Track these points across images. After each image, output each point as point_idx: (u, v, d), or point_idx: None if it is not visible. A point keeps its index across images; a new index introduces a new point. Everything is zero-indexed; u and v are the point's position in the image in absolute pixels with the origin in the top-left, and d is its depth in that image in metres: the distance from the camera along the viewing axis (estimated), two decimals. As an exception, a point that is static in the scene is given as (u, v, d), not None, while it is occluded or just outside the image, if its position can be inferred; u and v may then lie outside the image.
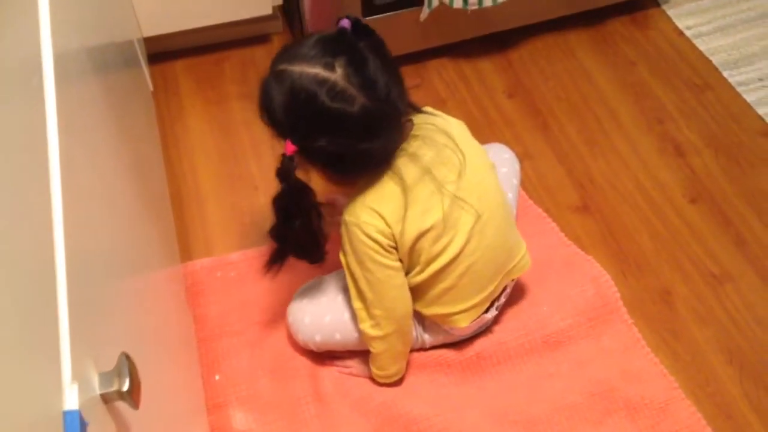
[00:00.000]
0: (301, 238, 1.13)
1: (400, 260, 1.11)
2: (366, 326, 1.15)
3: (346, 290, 1.18)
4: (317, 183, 1.11)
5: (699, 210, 1.51)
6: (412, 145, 1.09)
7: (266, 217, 1.52)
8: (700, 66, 1.78)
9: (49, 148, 0.61)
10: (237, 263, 1.41)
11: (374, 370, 1.22)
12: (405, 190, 1.07)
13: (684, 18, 1.87)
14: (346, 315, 1.21)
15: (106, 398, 0.53)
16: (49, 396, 0.45)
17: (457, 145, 1.12)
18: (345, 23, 1.04)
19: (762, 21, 1.85)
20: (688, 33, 1.84)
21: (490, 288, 1.18)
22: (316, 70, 0.98)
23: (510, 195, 1.35)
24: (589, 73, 1.78)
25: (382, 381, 1.23)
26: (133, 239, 0.91)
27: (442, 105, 1.72)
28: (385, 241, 1.08)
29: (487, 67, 1.80)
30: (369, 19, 1.66)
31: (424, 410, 1.20)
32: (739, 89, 1.70)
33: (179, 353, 1.13)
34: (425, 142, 1.10)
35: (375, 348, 1.18)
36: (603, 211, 1.52)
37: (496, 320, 1.30)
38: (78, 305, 0.54)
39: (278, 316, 1.34)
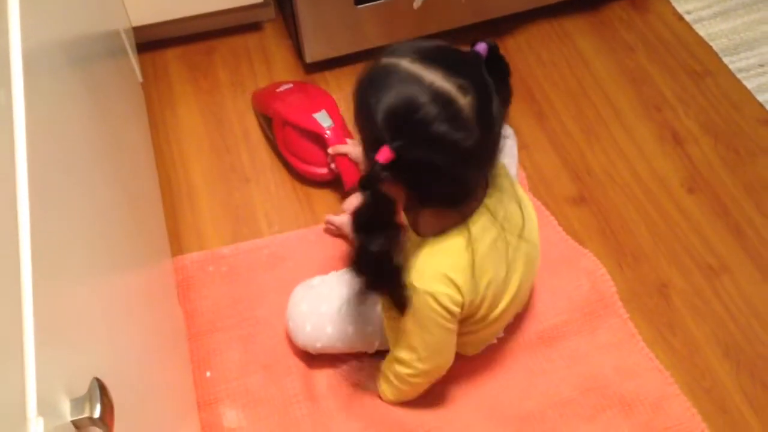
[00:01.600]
0: (387, 266, 1.00)
1: None
2: (406, 372, 1.12)
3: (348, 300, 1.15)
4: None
5: (697, 200, 1.49)
6: (492, 198, 1.03)
7: (257, 209, 1.51)
8: (699, 52, 1.75)
9: (15, 146, 0.59)
10: (229, 257, 1.40)
11: (385, 390, 1.19)
12: (474, 254, 1.01)
13: (684, 2, 1.84)
14: (350, 329, 1.19)
15: (77, 425, 0.51)
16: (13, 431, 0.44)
17: (519, 196, 1.10)
18: (481, 48, 0.95)
19: (763, 5, 1.81)
20: (687, 18, 1.80)
21: (505, 323, 1.21)
22: (449, 88, 0.89)
23: (513, 171, 1.31)
24: (587, 59, 1.75)
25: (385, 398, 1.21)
26: (119, 236, 0.89)
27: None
28: (456, 310, 1.03)
29: (482, 53, 1.77)
30: (362, 7, 1.63)
31: (416, 409, 1.19)
32: (740, 75, 1.68)
33: (170, 350, 1.12)
34: (501, 194, 1.05)
35: (402, 387, 1.16)
36: (600, 202, 1.50)
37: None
38: (47, 329, 0.52)
39: (271, 311, 1.33)
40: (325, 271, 1.36)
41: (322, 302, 1.21)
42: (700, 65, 1.72)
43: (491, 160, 0.99)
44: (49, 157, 0.67)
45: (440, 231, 1.02)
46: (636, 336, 1.27)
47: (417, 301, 1.01)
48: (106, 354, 0.69)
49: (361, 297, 1.05)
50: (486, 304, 1.07)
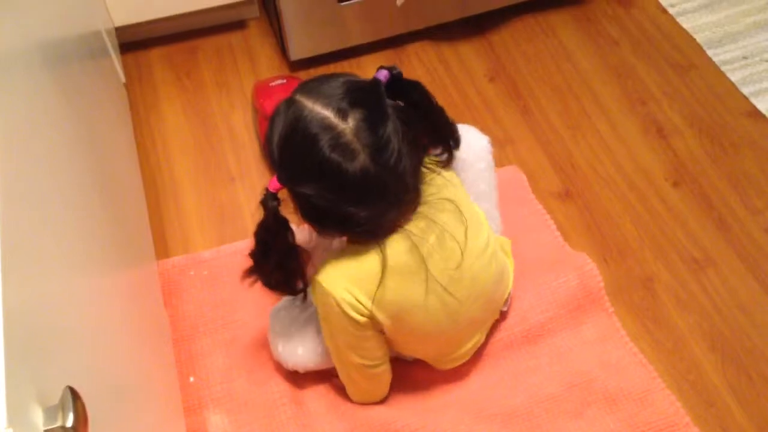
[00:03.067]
0: (276, 274, 1.06)
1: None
2: (339, 371, 1.15)
3: None
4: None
5: (681, 193, 1.49)
6: (415, 228, 1.00)
7: (243, 209, 1.51)
8: (683, 45, 1.75)
9: None
10: (210, 261, 1.39)
11: (348, 391, 1.21)
12: (385, 272, 0.99)
13: (667, -5, 1.84)
14: (319, 349, 1.18)
15: (50, 434, 0.51)
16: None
17: (462, 219, 1.04)
18: (381, 75, 0.96)
19: (746, -3, 1.82)
20: (671, 11, 1.80)
21: (475, 339, 1.20)
22: (327, 113, 0.91)
23: (486, 189, 1.25)
24: (571, 53, 1.75)
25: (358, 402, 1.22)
26: (99, 239, 0.88)
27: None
28: (361, 320, 1.02)
29: (467, 50, 1.77)
30: (346, 4, 1.63)
31: (401, 409, 1.19)
32: (724, 68, 1.68)
33: (155, 355, 1.11)
34: (428, 224, 1.01)
35: (350, 385, 1.18)
36: (585, 197, 1.50)
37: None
38: (17, 338, 0.52)
39: (252, 314, 1.32)
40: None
41: (292, 324, 1.20)
42: (684, 58, 1.72)
43: (394, 190, 0.95)
44: (22, 159, 0.66)
45: (357, 244, 1.02)
46: (620, 331, 1.27)
47: (320, 298, 1.03)
48: (83, 361, 0.68)
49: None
50: (403, 326, 1.06)
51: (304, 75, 1.71)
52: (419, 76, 1.72)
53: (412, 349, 1.18)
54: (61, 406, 0.52)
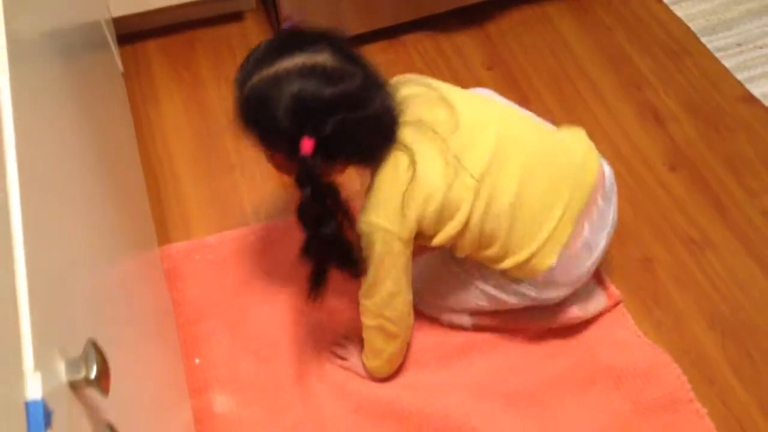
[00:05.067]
0: (340, 244, 1.05)
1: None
2: (365, 318, 1.15)
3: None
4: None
5: (679, 177, 1.51)
6: (407, 112, 1.06)
7: (243, 198, 1.51)
8: (678, 32, 1.77)
9: (4, 136, 0.58)
10: (214, 246, 1.39)
11: (366, 361, 1.20)
12: (413, 170, 1.03)
13: (661, -16, 1.86)
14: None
15: (73, 386, 0.51)
16: (11, 386, 0.44)
17: (439, 92, 1.10)
18: (290, 24, 1.05)
19: (739, -15, 1.84)
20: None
21: (558, 210, 1.07)
22: (302, 59, 0.96)
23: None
24: (568, 42, 1.77)
25: (373, 373, 1.21)
26: (102, 224, 0.88)
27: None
28: (406, 237, 1.06)
29: (465, 40, 1.78)
30: (343, -6, 1.63)
31: (405, 389, 1.20)
32: (718, 55, 1.70)
33: (158, 337, 1.12)
34: (413, 104, 1.07)
35: (373, 342, 1.17)
36: (583, 181, 1.51)
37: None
38: (41, 292, 0.52)
39: (258, 298, 1.33)
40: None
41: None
42: (679, 45, 1.74)
43: (380, 83, 1.03)
44: (37, 146, 0.67)
45: (377, 168, 1.06)
46: (621, 308, 1.28)
47: (375, 237, 1.05)
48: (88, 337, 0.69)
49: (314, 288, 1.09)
50: (444, 211, 1.05)
51: (303, 65, 1.72)
52: (417, 67, 1.73)
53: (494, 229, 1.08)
54: (84, 359, 0.52)
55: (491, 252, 1.10)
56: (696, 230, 1.42)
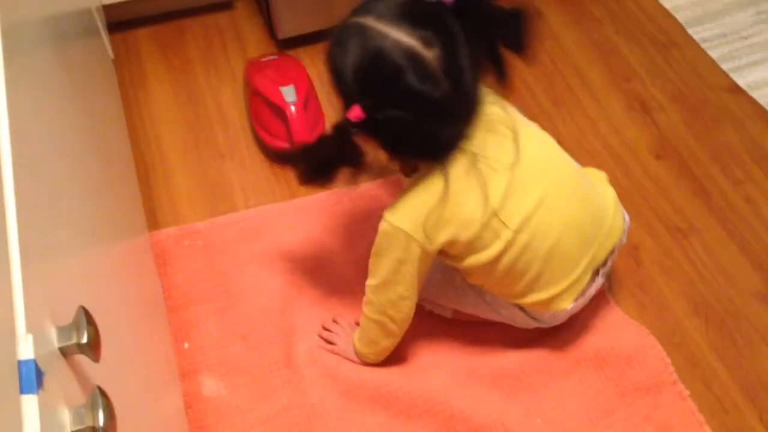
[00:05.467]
0: (318, 170, 1.07)
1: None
2: (366, 308, 1.15)
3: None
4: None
5: (665, 166, 1.52)
6: (475, 139, 1.01)
7: (233, 184, 1.52)
8: (664, 23, 1.78)
9: None
10: (203, 232, 1.40)
11: (358, 345, 1.21)
12: (446, 194, 1.00)
13: (648, -24, 1.87)
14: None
15: (65, 352, 0.52)
16: (3, 347, 0.45)
17: (510, 116, 1.06)
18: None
19: (725, -23, 1.86)
20: (652, -9, 1.84)
21: (586, 258, 1.10)
22: (413, 43, 0.91)
23: None
24: (556, 33, 1.78)
25: (362, 358, 1.22)
26: (92, 204, 0.89)
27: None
28: (429, 248, 1.04)
29: (453, 29, 1.79)
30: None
31: (393, 372, 1.21)
32: (704, 46, 1.72)
33: (148, 321, 1.12)
34: (484, 128, 1.02)
35: (369, 331, 1.17)
36: (571, 170, 1.52)
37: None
38: (33, 260, 0.53)
39: (247, 283, 1.33)
40: (301, 244, 1.38)
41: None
42: (666, 36, 1.76)
43: (465, 112, 1.00)
44: (29, 131, 0.67)
45: (419, 173, 1.04)
46: (605, 294, 1.30)
47: (391, 234, 1.04)
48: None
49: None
50: (474, 243, 1.04)
51: (293, 54, 1.72)
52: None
53: (511, 278, 1.09)
54: (75, 326, 0.53)
55: (513, 289, 1.10)
56: (681, 218, 1.44)
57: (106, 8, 1.70)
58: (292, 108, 1.42)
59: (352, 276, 1.33)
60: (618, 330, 1.26)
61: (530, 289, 1.09)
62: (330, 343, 1.26)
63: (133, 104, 1.65)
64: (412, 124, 0.96)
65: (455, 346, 1.24)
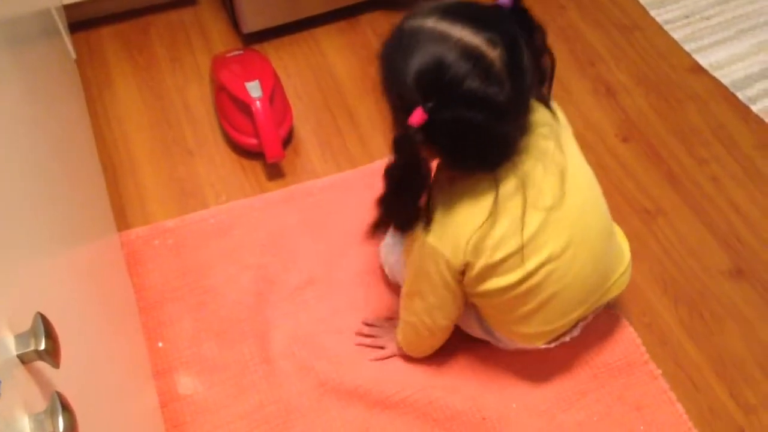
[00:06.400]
0: (410, 212, 1.03)
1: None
2: (403, 314, 1.16)
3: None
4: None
5: (631, 148, 1.54)
6: (525, 163, 0.98)
7: (203, 181, 1.51)
8: (627, 6, 1.80)
9: None
10: (174, 230, 1.39)
11: (401, 341, 1.21)
12: (495, 210, 0.97)
13: (611, -40, 1.88)
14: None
15: (23, 359, 0.52)
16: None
17: (564, 156, 1.02)
18: (504, 1, 0.94)
19: (686, -41, 1.88)
20: (615, -26, 1.85)
21: (579, 311, 1.11)
22: (478, 42, 0.88)
23: None
24: (521, 19, 1.79)
25: (409, 353, 1.23)
26: (51, 207, 0.88)
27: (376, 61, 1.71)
28: (448, 276, 1.03)
29: (419, 18, 1.79)
30: (296, -26, 1.63)
31: (370, 369, 1.21)
32: (666, 27, 1.73)
33: (119, 321, 1.12)
34: (534, 156, 0.99)
35: (407, 331, 1.18)
36: (539, 155, 1.53)
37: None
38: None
39: (220, 280, 1.33)
40: (272, 238, 1.38)
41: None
42: (629, 19, 1.77)
43: (524, 116, 0.97)
44: None
45: (466, 183, 1.00)
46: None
47: (426, 257, 1.02)
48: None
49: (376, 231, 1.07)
50: (504, 266, 1.02)
51: (259, 48, 1.72)
52: (374, 47, 1.73)
53: (503, 313, 1.11)
54: (33, 333, 0.53)
55: (508, 317, 1.10)
56: (648, 199, 1.46)
57: (67, 8, 1.68)
58: (258, 103, 1.42)
59: (324, 268, 1.33)
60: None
61: (521, 322, 1.09)
62: (378, 347, 1.26)
63: (99, 104, 1.63)
64: (474, 125, 0.91)
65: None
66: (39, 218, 0.79)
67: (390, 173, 0.98)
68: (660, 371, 1.22)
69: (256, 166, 1.52)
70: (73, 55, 1.67)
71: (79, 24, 1.76)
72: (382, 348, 1.25)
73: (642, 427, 1.17)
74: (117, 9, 1.78)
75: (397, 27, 0.94)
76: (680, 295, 1.33)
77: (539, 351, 1.23)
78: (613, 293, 1.15)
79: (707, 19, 1.74)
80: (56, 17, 1.53)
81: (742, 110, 1.59)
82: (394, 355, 1.24)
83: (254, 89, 1.43)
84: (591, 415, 1.18)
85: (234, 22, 1.74)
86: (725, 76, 1.63)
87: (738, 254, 1.38)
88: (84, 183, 1.22)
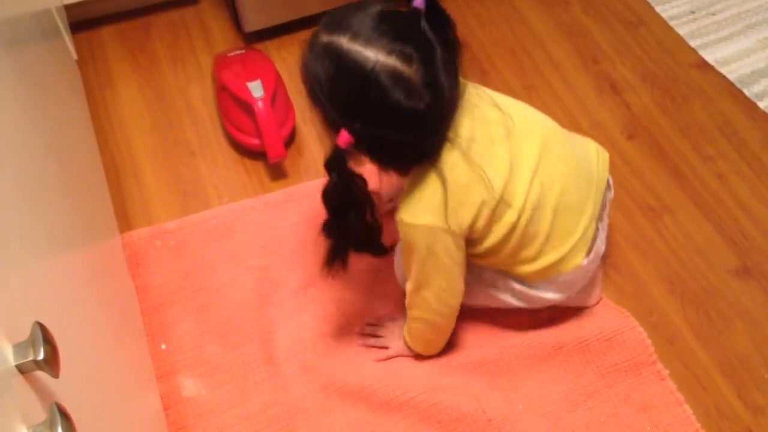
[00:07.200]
0: (358, 231, 1.05)
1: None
2: (410, 310, 1.15)
3: None
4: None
5: (637, 145, 1.53)
6: (462, 130, 1.01)
7: (206, 181, 1.50)
8: (632, 2, 1.78)
9: None
10: (176, 231, 1.39)
11: (408, 341, 1.21)
12: (446, 186, 1.00)
13: (615, -45, 1.87)
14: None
15: (22, 369, 0.51)
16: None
17: (486, 92, 1.08)
18: (419, 3, 0.94)
19: (691, -46, 1.86)
20: (619, -30, 1.84)
21: (588, 210, 1.12)
22: (394, 62, 0.90)
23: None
24: (524, 16, 1.78)
25: (417, 352, 1.22)
26: (51, 212, 0.87)
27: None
28: (458, 233, 1.03)
29: (421, 15, 1.77)
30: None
31: (372, 367, 1.21)
32: (672, 23, 1.72)
33: (121, 324, 1.11)
34: (470, 118, 1.02)
35: (414, 327, 1.17)
36: (543, 153, 1.52)
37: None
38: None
39: (222, 281, 1.32)
40: (274, 238, 1.37)
41: None
42: (634, 15, 1.75)
43: (448, 113, 0.99)
44: None
45: (416, 172, 1.03)
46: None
47: (417, 236, 1.03)
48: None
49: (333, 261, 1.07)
50: (486, 212, 1.04)
51: (261, 47, 1.71)
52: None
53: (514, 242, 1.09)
54: (31, 342, 0.52)
55: (526, 254, 1.09)
56: (654, 197, 1.45)
57: (68, 8, 1.67)
58: (260, 103, 1.41)
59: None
60: (598, 313, 1.26)
61: (542, 251, 1.09)
62: (382, 347, 1.25)
63: (101, 105, 1.63)
64: (399, 137, 0.96)
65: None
66: (38, 223, 0.78)
67: (327, 195, 1.00)
68: (667, 372, 1.21)
69: (259, 167, 1.51)
70: (74, 56, 1.66)
71: (79, 24, 1.75)
72: (386, 348, 1.24)
73: (649, 429, 1.16)
74: (118, 8, 1.77)
75: (311, 41, 0.95)
76: (687, 294, 1.32)
77: (547, 349, 1.22)
78: (603, 174, 1.17)
79: (713, 14, 1.72)
80: (57, 17, 1.53)
81: (749, 106, 1.57)
82: (399, 355, 1.23)
83: (256, 89, 1.42)
84: (598, 416, 1.17)
85: (236, 21, 1.73)
86: (731, 72, 1.61)
87: (745, 252, 1.36)
88: (86, 184, 1.21)
